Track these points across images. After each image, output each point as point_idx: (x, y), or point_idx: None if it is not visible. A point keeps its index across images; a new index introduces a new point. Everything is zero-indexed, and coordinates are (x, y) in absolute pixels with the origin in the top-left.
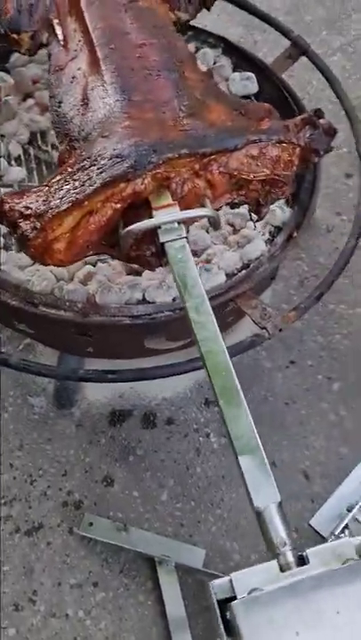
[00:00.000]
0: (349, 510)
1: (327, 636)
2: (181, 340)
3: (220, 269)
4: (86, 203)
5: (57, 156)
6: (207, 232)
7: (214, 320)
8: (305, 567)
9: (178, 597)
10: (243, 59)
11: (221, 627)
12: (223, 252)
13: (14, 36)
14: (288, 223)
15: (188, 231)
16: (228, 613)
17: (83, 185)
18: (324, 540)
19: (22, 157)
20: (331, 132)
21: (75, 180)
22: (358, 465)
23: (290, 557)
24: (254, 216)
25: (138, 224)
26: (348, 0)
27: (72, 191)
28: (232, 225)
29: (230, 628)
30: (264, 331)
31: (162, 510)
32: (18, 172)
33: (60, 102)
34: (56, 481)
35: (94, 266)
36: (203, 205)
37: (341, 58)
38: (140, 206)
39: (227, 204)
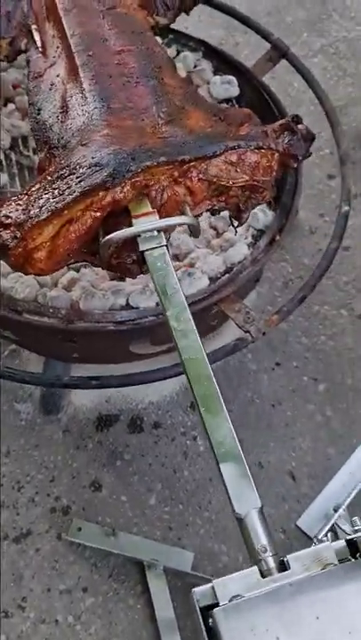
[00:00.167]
0: (336, 510)
1: None
2: (166, 344)
3: (204, 273)
4: (66, 211)
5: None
6: (190, 236)
7: (195, 328)
8: (286, 573)
9: (167, 601)
10: (223, 62)
11: (205, 633)
12: (206, 255)
13: None
14: (271, 226)
15: (168, 239)
16: (210, 620)
17: (62, 194)
18: (310, 540)
19: (4, 163)
20: (309, 138)
21: (54, 189)
22: (345, 465)
23: (271, 563)
24: (235, 222)
25: (117, 233)
26: (329, 1)
27: (52, 200)
28: (215, 228)
29: (213, 634)
30: (248, 334)
31: (150, 514)
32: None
33: (39, 110)
34: (44, 487)
35: (78, 272)
36: (183, 212)
37: (322, 59)
38: (119, 214)
39: (207, 210)
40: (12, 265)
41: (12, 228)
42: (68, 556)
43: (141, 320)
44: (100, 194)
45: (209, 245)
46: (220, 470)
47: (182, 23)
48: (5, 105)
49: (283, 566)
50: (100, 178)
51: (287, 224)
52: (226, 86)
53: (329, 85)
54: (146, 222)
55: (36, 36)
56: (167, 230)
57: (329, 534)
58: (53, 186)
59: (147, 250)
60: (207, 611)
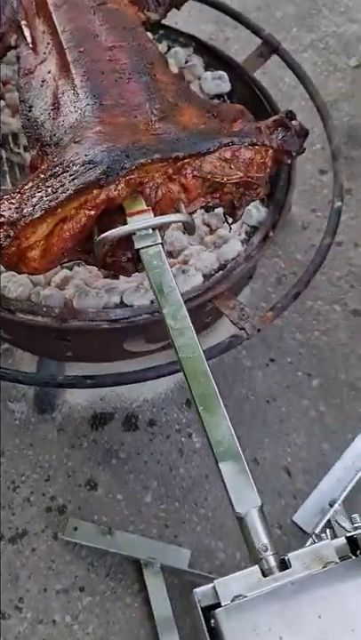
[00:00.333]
0: (332, 505)
1: (310, 639)
2: (161, 342)
3: (198, 270)
4: (60, 210)
5: (29, 158)
6: (184, 233)
7: (191, 326)
8: (287, 571)
9: (165, 598)
10: (214, 57)
11: (206, 634)
12: (200, 252)
13: None
14: (264, 222)
15: (163, 236)
16: (212, 621)
17: (55, 192)
18: (307, 535)
19: None
20: (303, 134)
21: (47, 187)
22: (339, 460)
23: (272, 562)
24: (229, 218)
25: (112, 231)
26: None
27: (45, 198)
28: (208, 225)
29: (215, 635)
30: (242, 331)
31: (146, 512)
32: None
33: (30, 107)
34: (39, 486)
35: (71, 270)
36: (177, 210)
37: (313, 54)
38: (114, 212)
39: (201, 207)
40: (5, 264)
41: (5, 227)
42: (64, 555)
43: (136, 318)
44: (94, 192)
45: (202, 242)
46: (219, 469)
47: (172, 18)
48: None
49: (283, 565)
50: (93, 175)
51: (280, 220)
52: (217, 82)
53: (319, 80)
54: (141, 220)
55: (27, 32)
56: (162, 228)
57: (327, 530)
58: (47, 184)
59: (142, 248)
60: (209, 611)
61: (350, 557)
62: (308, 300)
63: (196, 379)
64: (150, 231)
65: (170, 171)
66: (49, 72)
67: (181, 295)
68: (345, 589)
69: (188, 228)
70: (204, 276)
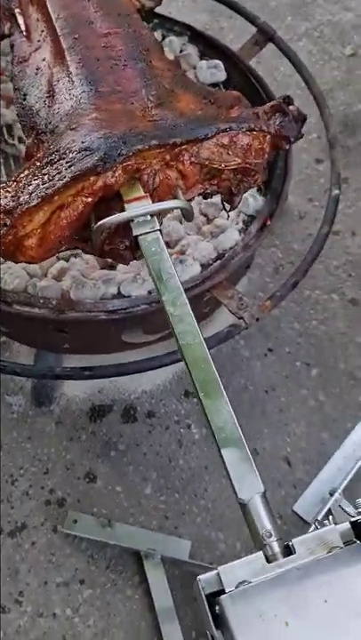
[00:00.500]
0: (332, 494)
1: (316, 625)
2: (159, 333)
3: (195, 260)
4: (56, 197)
5: (24, 149)
6: (181, 223)
7: (191, 312)
8: (291, 557)
9: (165, 590)
10: (209, 46)
11: (210, 621)
12: (197, 242)
13: None
14: (261, 211)
15: (161, 223)
16: (216, 607)
17: (52, 179)
18: (307, 525)
19: None
20: (300, 119)
21: (44, 175)
22: (339, 449)
23: (276, 548)
24: (227, 206)
25: (110, 218)
26: None
27: (41, 186)
28: (205, 215)
29: (219, 621)
30: (241, 321)
31: (146, 504)
32: None
33: (25, 95)
34: (38, 480)
35: (67, 261)
36: (175, 196)
37: (308, 43)
38: (111, 199)
39: (199, 194)
40: (2, 253)
41: (1, 216)
42: (64, 548)
43: (133, 309)
44: (92, 178)
45: (200, 232)
46: (221, 456)
47: (166, 8)
48: None
49: (288, 551)
50: (90, 162)
51: (278, 209)
52: (213, 71)
53: (315, 69)
54: (138, 207)
55: (20, 20)
56: (160, 214)
57: (329, 517)
58: (43, 171)
59: (140, 234)
60: (213, 598)
61: (355, 542)
62: (306, 289)
63: (196, 365)
64: (148, 217)
65: (167, 157)
66: (43, 60)
67: None
68: (350, 574)
69: (186, 215)
70: (202, 265)
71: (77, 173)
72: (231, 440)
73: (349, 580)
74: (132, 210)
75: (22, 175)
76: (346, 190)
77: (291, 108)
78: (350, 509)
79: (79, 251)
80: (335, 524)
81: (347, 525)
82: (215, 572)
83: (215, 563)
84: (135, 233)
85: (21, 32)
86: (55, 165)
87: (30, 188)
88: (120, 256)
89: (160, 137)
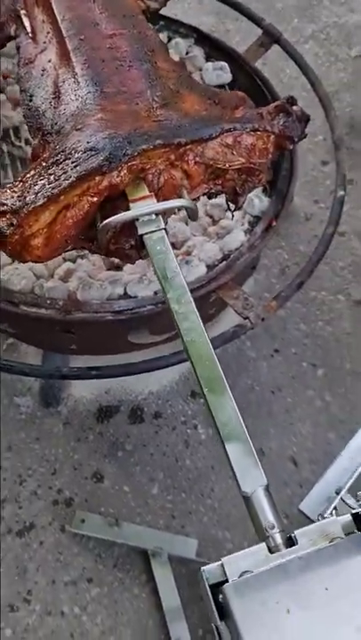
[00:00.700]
0: (338, 493)
1: (317, 613)
2: (165, 334)
3: (201, 261)
4: (62, 197)
5: (30, 151)
6: (186, 224)
7: (196, 310)
8: (294, 548)
9: (172, 588)
10: (215, 48)
11: (214, 611)
12: (203, 243)
13: None
14: (267, 212)
15: (166, 222)
16: (220, 597)
17: (58, 179)
18: (314, 523)
19: None
20: (304, 119)
21: (50, 175)
22: (345, 449)
23: (278, 539)
24: (232, 206)
25: (115, 217)
26: None
27: (47, 186)
28: (211, 216)
29: (223, 611)
30: (247, 321)
31: (153, 503)
32: None
33: (31, 96)
34: (46, 480)
35: (74, 262)
36: (180, 196)
37: (314, 45)
38: (116, 199)
39: (204, 194)
40: (8, 253)
41: (7, 216)
42: (71, 547)
43: (140, 309)
44: (97, 178)
45: (205, 233)
46: (225, 450)
47: (171, 10)
48: None
49: (290, 542)
50: (96, 162)
51: (283, 210)
52: (218, 72)
53: (321, 71)
54: (144, 206)
55: (26, 22)
56: (165, 213)
57: (334, 512)
58: (49, 171)
59: (145, 233)
60: (216, 588)
61: (356, 533)
62: (312, 290)
63: (201, 362)
64: (153, 217)
65: (172, 157)
66: (49, 61)
67: None
68: (351, 563)
69: (191, 214)
70: (208, 266)
71: (83, 173)
72: (235, 435)
73: (350, 570)
74: (137, 209)
75: (28, 175)
76: (351, 192)
77: (294, 108)
78: (352, 502)
79: (85, 252)
80: (337, 516)
81: (348, 517)
82: (219, 562)
83: None
84: (140, 232)
85: (27, 34)
86: (61, 165)
87: (36, 187)
88: (126, 255)
89: (165, 137)
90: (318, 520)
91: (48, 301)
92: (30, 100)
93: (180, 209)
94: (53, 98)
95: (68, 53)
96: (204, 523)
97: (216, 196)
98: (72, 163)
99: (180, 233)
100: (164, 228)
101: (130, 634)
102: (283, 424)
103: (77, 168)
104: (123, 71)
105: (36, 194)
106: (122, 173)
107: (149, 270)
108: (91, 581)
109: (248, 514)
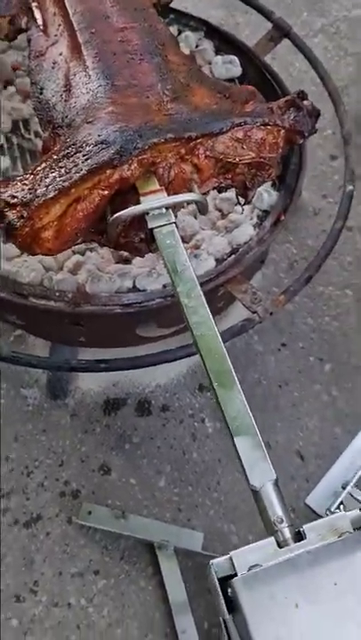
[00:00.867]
0: (344, 487)
1: (326, 607)
2: (173, 327)
3: (210, 255)
4: (73, 190)
5: (40, 144)
6: (195, 218)
7: (205, 304)
8: (302, 542)
9: (179, 581)
10: (225, 42)
11: (223, 604)
12: (212, 237)
13: None
14: (275, 206)
15: (176, 216)
16: (229, 591)
17: (69, 172)
18: (320, 517)
19: (5, 146)
20: (315, 114)
21: (60, 168)
22: (352, 442)
23: (287, 534)
24: (241, 200)
25: (125, 210)
26: None
27: (58, 179)
28: (220, 210)
29: (232, 605)
30: (255, 315)
31: (160, 496)
32: (1, 162)
33: (41, 89)
34: (53, 471)
35: (83, 255)
36: (190, 190)
37: (323, 39)
38: (127, 192)
39: (214, 188)
40: (19, 245)
41: (18, 208)
42: (78, 539)
43: (148, 302)
44: (108, 171)
45: (214, 227)
46: (234, 444)
47: (181, 3)
48: (5, 87)
49: (299, 536)
50: (107, 155)
51: (292, 204)
52: (228, 66)
53: (330, 65)
54: (154, 200)
55: (37, 14)
56: (175, 207)
57: (341, 507)
58: (60, 164)
59: (156, 227)
60: (224, 582)
61: None
62: (320, 285)
63: (210, 356)
64: (164, 210)
65: (182, 151)
66: (60, 54)
67: None
68: (360, 558)
69: (201, 208)
70: (217, 260)
71: (94, 166)
72: (244, 428)
73: (359, 565)
74: (147, 203)
75: (39, 168)
76: (360, 186)
77: (305, 102)
78: None
79: (95, 244)
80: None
81: (357, 512)
82: (228, 556)
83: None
84: (150, 226)
85: (38, 26)
86: (72, 158)
87: (47, 180)
88: (135, 249)
89: (175, 130)
90: (326, 515)
91: (57, 294)
92: (41, 93)
93: (189, 203)
94: (64, 91)
95: (78, 46)
96: (210, 516)
97: (226, 190)
98: (83, 156)
99: (188, 226)
100: (175, 222)
101: (136, 626)
102: (289, 418)
103: (88, 161)
104: (133, 64)
105: (47, 187)
106: (132, 167)
107: (158, 263)
108: (97, 573)
109: (257, 508)
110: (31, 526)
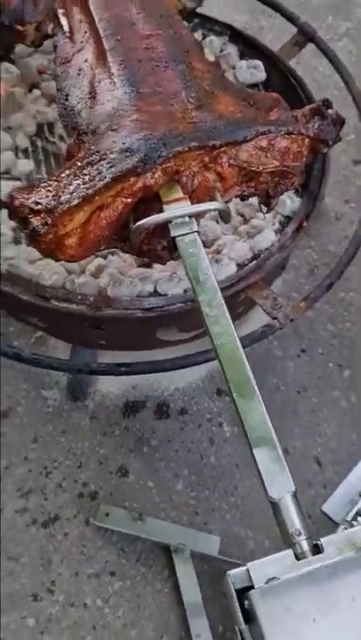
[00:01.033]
0: None
1: (343, 622)
2: (193, 331)
3: (231, 260)
4: (97, 197)
5: (64, 147)
6: (217, 222)
7: (227, 313)
8: (320, 556)
9: (194, 584)
10: (249, 46)
11: (240, 615)
12: (233, 242)
13: (19, 27)
14: (298, 212)
15: (198, 224)
16: (246, 602)
17: (93, 179)
18: (336, 525)
19: (30, 149)
20: (339, 122)
21: (84, 175)
22: None
23: (305, 546)
24: (264, 208)
25: (149, 218)
26: None
27: (82, 186)
28: (242, 215)
29: (249, 616)
30: (275, 321)
31: (177, 499)
32: (25, 165)
33: (67, 95)
34: (71, 473)
35: (105, 259)
36: (213, 198)
37: (348, 43)
38: (150, 200)
39: (236, 196)
40: (42, 251)
41: (42, 215)
42: (95, 540)
43: (169, 307)
44: (132, 179)
45: (236, 232)
46: (253, 455)
47: (206, 8)
48: (30, 91)
49: (316, 549)
50: (130, 163)
51: (314, 210)
52: (252, 71)
53: (355, 70)
54: (177, 208)
55: (63, 21)
56: (198, 216)
57: (358, 518)
58: (84, 172)
59: (178, 236)
60: (242, 593)
61: None
62: (340, 291)
63: (231, 365)
64: (187, 219)
65: (206, 159)
66: (86, 61)
67: None
68: None
69: (224, 217)
70: (238, 265)
71: (118, 174)
72: (263, 440)
73: None
74: (170, 211)
75: (63, 175)
76: None
77: (330, 111)
78: None
79: (117, 249)
80: None
81: None
82: (245, 568)
83: (244, 559)
84: (173, 234)
85: (64, 33)
86: (96, 166)
87: (71, 187)
88: (158, 256)
89: (199, 139)
90: (343, 524)
91: (79, 297)
92: (66, 100)
93: (212, 211)
94: (89, 98)
95: (104, 53)
96: (226, 520)
97: (248, 199)
98: (107, 163)
99: (210, 231)
100: (197, 231)
101: (151, 628)
102: (308, 424)
103: (112, 169)
104: (158, 72)
105: (71, 194)
106: (156, 175)
107: (179, 268)
108: (114, 575)
109: (275, 519)
110: (49, 526)
